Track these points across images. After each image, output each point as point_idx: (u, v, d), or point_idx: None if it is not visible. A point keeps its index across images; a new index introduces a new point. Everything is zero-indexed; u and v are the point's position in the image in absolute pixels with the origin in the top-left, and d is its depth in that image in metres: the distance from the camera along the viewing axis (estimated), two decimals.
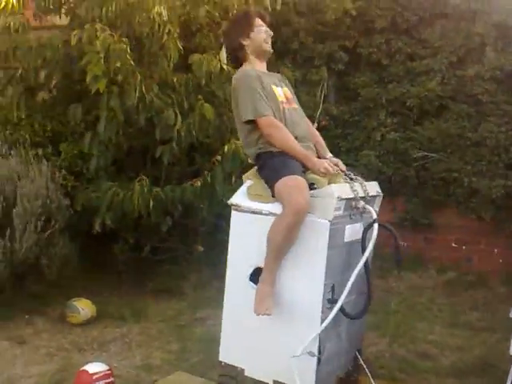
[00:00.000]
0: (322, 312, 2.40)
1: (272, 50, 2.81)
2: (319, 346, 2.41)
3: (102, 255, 4.49)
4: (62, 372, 3.03)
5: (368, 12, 5.39)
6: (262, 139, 2.65)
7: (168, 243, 4.55)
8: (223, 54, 4.03)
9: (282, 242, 2.42)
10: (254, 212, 2.60)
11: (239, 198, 2.70)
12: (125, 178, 4.46)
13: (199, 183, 3.88)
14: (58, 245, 3.72)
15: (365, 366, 2.78)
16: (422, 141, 5.09)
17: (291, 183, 2.42)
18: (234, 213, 2.69)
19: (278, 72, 3.20)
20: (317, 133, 2.97)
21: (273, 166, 2.57)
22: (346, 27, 5.42)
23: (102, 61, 3.55)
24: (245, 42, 2.75)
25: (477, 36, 5.04)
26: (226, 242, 4.72)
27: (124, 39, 3.64)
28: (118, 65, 3.58)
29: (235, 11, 4.42)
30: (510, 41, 4.96)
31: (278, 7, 4.63)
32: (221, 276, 4.69)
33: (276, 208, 2.49)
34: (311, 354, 2.36)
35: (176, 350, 3.41)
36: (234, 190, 2.81)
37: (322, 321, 2.38)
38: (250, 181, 2.73)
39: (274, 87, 2.72)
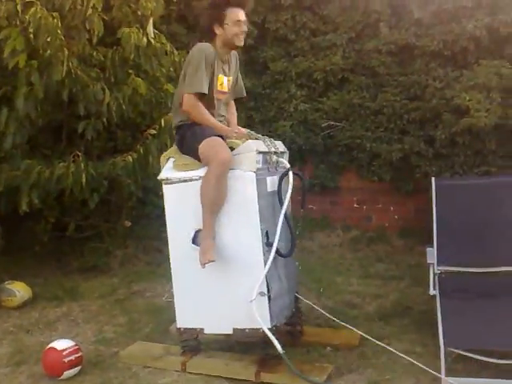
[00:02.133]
0: (264, 255, 2.66)
1: (242, 44, 2.90)
2: (267, 286, 2.66)
3: (22, 236, 4.35)
4: (19, 353, 2.99)
5: None
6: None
7: (91, 220, 4.51)
8: (150, 28, 4.03)
9: (214, 195, 2.64)
10: (184, 180, 2.79)
11: (168, 172, 2.87)
12: (39, 155, 4.31)
13: (130, 158, 3.88)
14: None
15: (308, 301, 3.17)
16: (327, 111, 5.44)
17: (213, 142, 2.69)
18: (165, 187, 2.84)
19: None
20: (234, 111, 3.21)
21: (193, 133, 2.80)
22: (255, 2, 5.55)
23: (31, 35, 3.40)
24: (217, 31, 2.83)
25: (373, 13, 5.46)
26: (152, 215, 4.82)
27: (54, 13, 3.50)
28: (49, 39, 3.45)
29: None
30: (402, 18, 5.44)
31: None
32: (147, 250, 4.83)
33: (205, 172, 2.70)
34: (262, 293, 2.63)
35: (124, 322, 3.48)
36: None
37: (265, 263, 2.64)
38: (172, 158, 2.91)
39: (220, 76, 2.89)
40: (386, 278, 4.38)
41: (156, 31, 4.20)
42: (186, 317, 2.85)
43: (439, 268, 3.31)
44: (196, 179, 2.73)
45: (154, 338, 3.17)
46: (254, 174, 2.67)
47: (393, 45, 5.30)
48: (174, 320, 3.13)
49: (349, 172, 5.56)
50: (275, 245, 2.66)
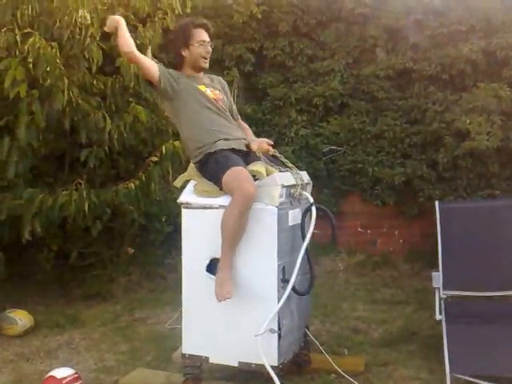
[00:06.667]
0: (278, 291, 2.61)
1: (208, 66, 2.95)
2: (278, 323, 2.61)
3: (24, 264, 4.34)
4: (18, 383, 2.95)
5: (272, 16, 5.68)
6: (202, 139, 2.81)
7: (93, 248, 4.49)
8: (149, 56, 4.06)
9: (236, 228, 2.59)
10: (204, 207, 2.76)
11: (188, 196, 2.83)
12: (42, 184, 4.33)
13: (133, 185, 3.89)
14: None
15: (315, 341, 3.10)
16: (328, 136, 5.47)
17: (238, 173, 2.64)
18: (184, 210, 2.81)
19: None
20: (245, 125, 3.18)
21: (216, 161, 2.75)
22: (252, 30, 5.67)
23: (31, 65, 3.44)
24: (184, 53, 2.90)
25: (370, 38, 5.54)
26: (155, 241, 4.80)
27: (53, 43, 3.54)
28: (48, 69, 3.49)
29: (145, 14, 4.45)
30: (398, 43, 5.52)
31: (188, 10, 4.72)
32: (151, 276, 4.80)
33: (225, 201, 2.67)
34: (272, 330, 2.57)
35: (126, 350, 3.43)
36: (172, 189, 2.88)
37: (278, 299, 2.59)
38: (193, 180, 2.89)
39: (200, 87, 2.88)
40: (391, 303, 4.35)
41: (155, 59, 4.24)
42: (192, 343, 2.79)
43: (445, 292, 3.28)
44: (216, 207, 2.70)
45: (156, 366, 3.12)
46: (277, 209, 2.61)
47: (390, 69, 5.38)
48: (176, 348, 3.10)
49: (352, 196, 5.56)
50: (291, 283, 2.60)
